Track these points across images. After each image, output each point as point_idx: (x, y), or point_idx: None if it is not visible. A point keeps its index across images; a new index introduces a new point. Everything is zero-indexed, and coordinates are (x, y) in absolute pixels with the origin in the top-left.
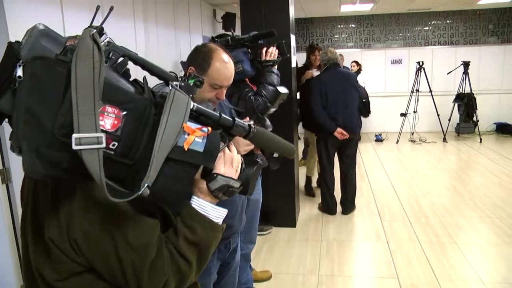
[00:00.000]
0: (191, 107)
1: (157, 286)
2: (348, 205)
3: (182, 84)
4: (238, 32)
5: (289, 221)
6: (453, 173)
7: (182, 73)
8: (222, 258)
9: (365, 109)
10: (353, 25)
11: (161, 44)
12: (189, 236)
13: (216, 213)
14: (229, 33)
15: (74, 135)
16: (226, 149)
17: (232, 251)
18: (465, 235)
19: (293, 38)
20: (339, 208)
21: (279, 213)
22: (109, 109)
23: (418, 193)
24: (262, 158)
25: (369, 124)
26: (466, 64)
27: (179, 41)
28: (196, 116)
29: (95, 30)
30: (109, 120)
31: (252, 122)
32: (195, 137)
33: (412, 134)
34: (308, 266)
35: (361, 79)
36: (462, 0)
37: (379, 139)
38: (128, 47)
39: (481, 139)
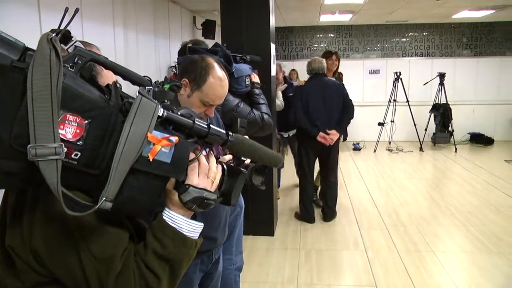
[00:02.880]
0: (160, 114)
1: None
2: (330, 213)
3: (156, 89)
4: (218, 39)
5: (267, 230)
6: (429, 182)
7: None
8: (204, 270)
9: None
10: (332, 35)
11: (140, 50)
12: (159, 250)
13: (190, 227)
14: (201, 39)
15: (30, 145)
16: (202, 158)
17: (214, 262)
18: (442, 243)
19: (273, 46)
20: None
21: (257, 221)
22: (70, 117)
23: (396, 202)
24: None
25: (347, 133)
26: (441, 76)
27: (158, 48)
28: (169, 124)
29: (54, 34)
30: (70, 129)
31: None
32: (161, 147)
33: (390, 143)
34: (286, 275)
35: None
36: (438, 14)
37: (357, 148)
38: (107, 53)
39: (456, 149)
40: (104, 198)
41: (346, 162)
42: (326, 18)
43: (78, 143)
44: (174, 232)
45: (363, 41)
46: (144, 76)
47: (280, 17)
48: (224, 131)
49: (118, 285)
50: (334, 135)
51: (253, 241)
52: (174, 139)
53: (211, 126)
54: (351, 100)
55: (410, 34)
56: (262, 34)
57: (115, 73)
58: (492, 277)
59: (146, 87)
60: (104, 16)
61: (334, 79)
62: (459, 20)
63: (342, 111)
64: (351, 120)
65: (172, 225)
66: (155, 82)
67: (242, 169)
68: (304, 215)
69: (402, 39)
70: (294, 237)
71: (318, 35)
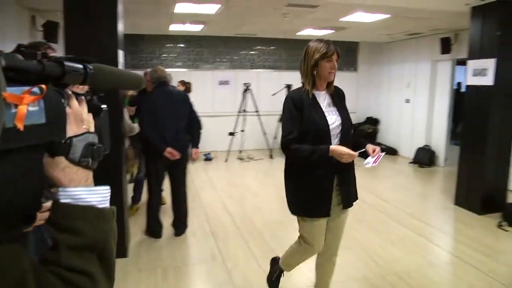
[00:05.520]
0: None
1: None
2: (181, 226)
3: None
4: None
5: (119, 251)
6: (281, 187)
7: None
8: None
9: (196, 125)
10: (182, 45)
11: None
12: (74, 242)
13: (98, 195)
14: (43, 41)
15: None
16: (73, 102)
17: None
18: None
19: (121, 54)
20: (168, 232)
21: None
22: None
23: (250, 209)
24: None
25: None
26: (289, 87)
27: None
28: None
29: None
30: None
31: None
32: (28, 106)
33: (240, 152)
34: None
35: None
36: (285, 30)
37: (208, 158)
38: None
39: None
40: None
41: (198, 173)
42: (176, 28)
43: None
44: (84, 210)
45: (213, 52)
46: None
47: (129, 23)
48: (79, 64)
49: None
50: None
51: None
52: (40, 88)
53: (64, 62)
54: (196, 112)
55: (258, 47)
56: (109, 40)
57: None
58: (343, 270)
59: None
60: None
61: (180, 89)
62: (303, 37)
63: (191, 124)
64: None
65: (77, 203)
66: None
67: (101, 105)
68: (151, 230)
69: (251, 52)
70: (149, 256)
71: (168, 45)
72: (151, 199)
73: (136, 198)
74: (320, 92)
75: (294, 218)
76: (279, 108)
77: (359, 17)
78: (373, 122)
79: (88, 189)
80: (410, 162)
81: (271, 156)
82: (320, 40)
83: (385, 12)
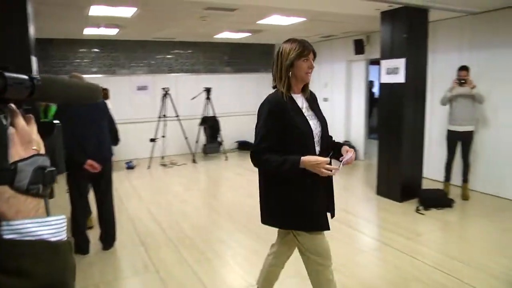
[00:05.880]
0: None
1: None
2: (109, 240)
3: None
4: None
5: None
6: (206, 191)
7: None
8: None
9: (114, 137)
10: (97, 50)
11: None
12: (23, 285)
13: (50, 227)
14: None
15: None
16: (19, 121)
17: None
18: (229, 247)
19: (34, 60)
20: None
21: None
22: None
23: (178, 216)
24: None
25: (119, 152)
26: (208, 90)
27: None
28: None
29: None
30: None
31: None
32: None
33: (163, 158)
34: None
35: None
36: (202, 33)
37: (130, 166)
38: None
39: (226, 157)
40: None
41: (121, 183)
42: (90, 31)
43: None
44: (32, 245)
45: (130, 57)
46: None
47: (40, 27)
48: (23, 75)
49: None
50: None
51: None
52: None
53: (4, 72)
54: (114, 122)
55: (176, 51)
56: (20, 45)
57: None
58: None
59: None
60: None
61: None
62: (220, 40)
63: (111, 134)
64: (121, 139)
65: (25, 238)
66: None
67: (54, 121)
68: (77, 247)
69: (168, 56)
70: (78, 274)
71: (81, 49)
72: (75, 214)
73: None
74: (297, 95)
75: (221, 221)
76: (199, 112)
77: (276, 20)
78: None
79: (39, 220)
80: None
81: (194, 161)
82: (293, 39)
83: (301, 15)
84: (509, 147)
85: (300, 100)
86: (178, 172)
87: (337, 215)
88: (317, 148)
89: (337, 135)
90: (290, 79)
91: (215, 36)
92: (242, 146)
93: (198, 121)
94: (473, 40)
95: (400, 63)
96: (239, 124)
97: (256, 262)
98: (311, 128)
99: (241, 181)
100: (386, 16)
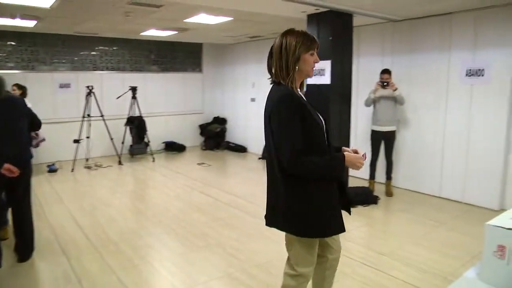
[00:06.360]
0: None
1: None
2: (26, 250)
3: None
4: None
5: None
6: (133, 194)
7: None
8: None
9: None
10: (13, 43)
11: None
12: None
13: None
14: None
15: None
16: None
17: None
18: (156, 252)
19: None
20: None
21: None
22: None
23: (103, 221)
24: None
25: (40, 154)
26: (133, 89)
27: None
28: None
29: None
30: None
31: None
32: None
33: (87, 160)
34: None
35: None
36: (127, 30)
37: (52, 169)
38: None
39: (153, 158)
40: None
41: (42, 187)
42: (5, 22)
43: None
44: None
45: (50, 52)
46: None
47: None
48: None
49: None
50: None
51: None
52: None
53: None
54: (36, 115)
55: (100, 47)
56: None
57: None
58: (204, 270)
59: None
60: None
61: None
62: (147, 38)
63: (33, 126)
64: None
65: None
66: None
67: None
68: None
69: (92, 53)
70: None
71: None
72: None
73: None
74: (298, 90)
75: (148, 225)
76: (125, 111)
77: (203, 19)
78: (220, 121)
79: None
80: (260, 158)
81: (120, 162)
82: (296, 32)
83: (227, 15)
84: (427, 145)
85: (302, 96)
86: (104, 175)
87: (263, 215)
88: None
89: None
90: (295, 74)
91: (141, 33)
92: (170, 147)
93: (124, 121)
94: (394, 46)
95: (326, 65)
96: (166, 124)
97: (185, 266)
98: (322, 124)
99: (168, 183)
100: (312, 19)
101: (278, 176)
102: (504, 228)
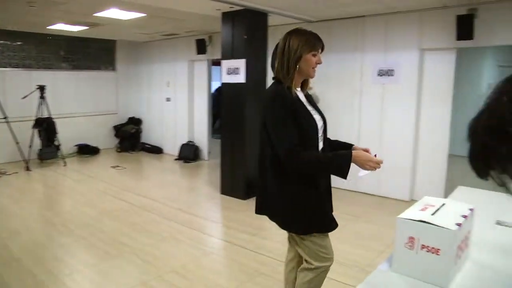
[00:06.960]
0: None
1: None
2: None
3: None
4: None
5: None
6: (41, 202)
7: None
8: None
9: None
10: None
11: None
12: None
13: None
14: None
15: None
16: None
17: None
18: (66, 265)
19: None
20: None
21: None
22: None
23: (5, 235)
24: None
25: None
26: (41, 88)
27: None
28: None
29: None
30: None
31: None
32: None
33: None
34: None
35: None
36: (31, 23)
37: None
38: None
39: (65, 162)
40: None
41: None
42: None
43: None
44: None
45: None
46: None
47: None
48: None
49: None
50: None
51: None
52: None
53: None
54: None
55: (2, 41)
56: None
57: None
58: (118, 280)
59: None
60: None
61: None
62: (55, 32)
63: None
64: None
65: None
66: None
67: None
68: None
69: None
70: None
71: None
72: None
73: None
74: (297, 89)
75: (56, 236)
76: (32, 113)
77: (115, 13)
78: (135, 122)
79: None
80: (176, 159)
81: (27, 168)
82: (302, 31)
83: (140, 10)
84: None
85: (301, 95)
86: (8, 183)
87: (182, 218)
88: (320, 144)
89: (181, 135)
90: (295, 73)
91: (48, 27)
92: (83, 149)
93: (31, 123)
94: None
95: (240, 63)
96: (78, 126)
97: (97, 278)
98: (316, 123)
99: (81, 188)
100: (227, 17)
101: (270, 174)
102: (414, 220)
